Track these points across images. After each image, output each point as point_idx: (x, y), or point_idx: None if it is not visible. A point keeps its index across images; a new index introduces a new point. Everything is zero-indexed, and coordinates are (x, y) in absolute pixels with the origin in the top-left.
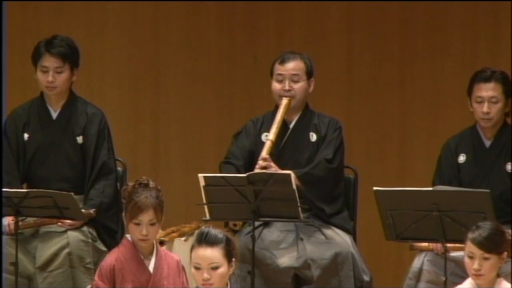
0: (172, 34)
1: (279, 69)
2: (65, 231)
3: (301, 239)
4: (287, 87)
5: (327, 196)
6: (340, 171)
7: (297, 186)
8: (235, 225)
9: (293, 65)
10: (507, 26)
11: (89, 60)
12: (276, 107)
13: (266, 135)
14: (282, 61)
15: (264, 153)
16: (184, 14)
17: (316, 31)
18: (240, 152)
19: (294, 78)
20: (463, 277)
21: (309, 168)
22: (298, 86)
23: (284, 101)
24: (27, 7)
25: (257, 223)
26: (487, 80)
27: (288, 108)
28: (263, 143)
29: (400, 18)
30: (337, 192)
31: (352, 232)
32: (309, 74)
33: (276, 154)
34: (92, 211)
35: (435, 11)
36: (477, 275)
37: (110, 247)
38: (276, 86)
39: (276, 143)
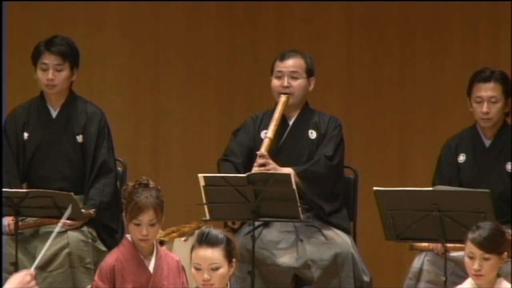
0: (172, 34)
1: (278, 65)
2: (65, 231)
3: (301, 240)
4: (285, 84)
5: (327, 194)
6: (340, 169)
7: (296, 184)
8: (233, 223)
9: (292, 62)
10: (507, 26)
11: (89, 60)
12: (276, 106)
13: (266, 133)
14: (282, 58)
15: (262, 150)
16: (184, 14)
17: (316, 31)
18: (239, 149)
19: (293, 75)
20: (463, 277)
21: (309, 164)
22: (297, 84)
23: (282, 98)
24: (27, 7)
25: (256, 223)
26: (486, 80)
27: (287, 106)
28: (262, 141)
29: (400, 18)
30: (337, 190)
31: (350, 232)
32: (309, 72)
33: (275, 151)
34: (92, 211)
35: (435, 11)
36: (477, 276)
37: (110, 247)
38: (275, 82)
39: (274, 141)
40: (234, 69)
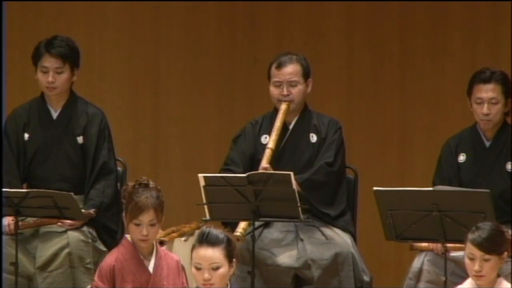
0: (172, 34)
1: (276, 75)
2: (65, 231)
3: (301, 240)
4: (285, 92)
5: (330, 200)
6: (342, 172)
7: (298, 192)
8: (238, 240)
9: (290, 70)
10: (507, 26)
11: (89, 60)
12: (276, 109)
13: (266, 137)
14: (279, 66)
15: (264, 162)
16: (184, 14)
17: (316, 31)
18: (240, 158)
19: (292, 83)
20: (463, 277)
21: (310, 173)
22: (296, 90)
23: (283, 106)
24: (27, 7)
25: (257, 224)
26: (486, 81)
27: (287, 113)
28: (262, 146)
29: (400, 18)
30: (340, 194)
31: (355, 234)
32: (307, 75)
33: (276, 156)
34: (92, 211)
35: (435, 11)
36: (478, 276)
37: (110, 247)
38: (274, 91)
39: (276, 150)
40: (234, 69)
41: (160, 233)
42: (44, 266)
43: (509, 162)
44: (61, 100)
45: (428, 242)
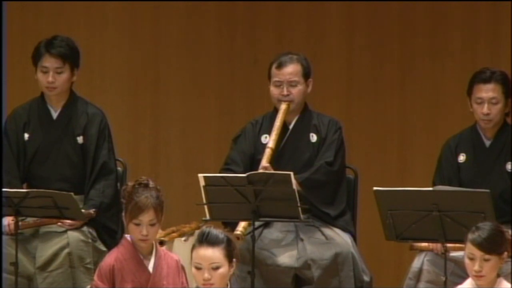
0: (172, 34)
1: (276, 74)
2: (65, 231)
3: (301, 240)
4: (285, 92)
5: (330, 199)
6: (342, 172)
7: (298, 192)
8: (238, 238)
9: (290, 70)
10: (507, 26)
11: (89, 60)
12: (276, 109)
13: (266, 137)
14: (279, 66)
15: (264, 161)
16: (184, 14)
17: (316, 31)
18: (240, 157)
19: (292, 83)
20: (463, 277)
21: (310, 173)
22: (297, 90)
23: (283, 106)
24: (27, 7)
25: (257, 224)
26: (486, 81)
27: (287, 113)
28: (263, 145)
29: (400, 18)
30: (340, 194)
31: (355, 234)
32: (307, 75)
33: (276, 155)
34: (92, 211)
35: (435, 11)
36: (478, 276)
37: (110, 247)
38: (274, 90)
39: (276, 149)
40: (234, 69)
41: (160, 233)
42: (44, 266)
43: (509, 162)
44: (61, 100)
45: (428, 242)
